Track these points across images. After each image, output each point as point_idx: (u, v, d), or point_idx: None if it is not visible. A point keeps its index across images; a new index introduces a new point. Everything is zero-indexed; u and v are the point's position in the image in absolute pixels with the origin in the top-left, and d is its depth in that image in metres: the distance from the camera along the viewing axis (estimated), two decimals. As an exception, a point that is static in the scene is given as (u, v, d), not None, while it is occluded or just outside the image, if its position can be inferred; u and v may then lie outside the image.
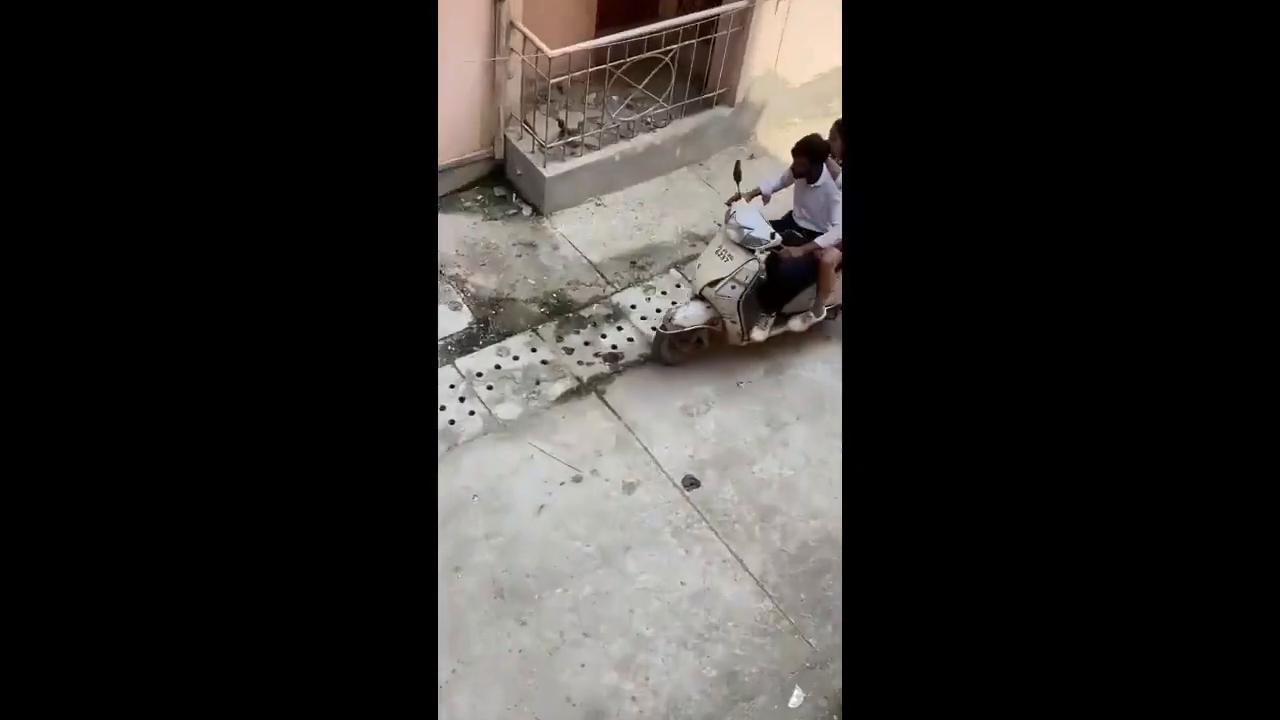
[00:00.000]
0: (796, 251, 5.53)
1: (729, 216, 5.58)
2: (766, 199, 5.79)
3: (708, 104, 7.12)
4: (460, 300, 6.02)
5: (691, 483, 5.23)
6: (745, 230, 5.42)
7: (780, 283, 5.70)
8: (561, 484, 5.15)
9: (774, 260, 5.58)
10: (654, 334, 5.81)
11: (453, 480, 5.09)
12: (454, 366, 5.67)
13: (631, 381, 5.72)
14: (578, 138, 6.61)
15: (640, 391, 5.67)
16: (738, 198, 5.65)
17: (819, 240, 5.55)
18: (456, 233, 6.41)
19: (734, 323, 5.63)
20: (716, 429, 5.56)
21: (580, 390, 5.64)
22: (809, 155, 5.55)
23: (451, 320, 5.91)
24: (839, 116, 5.91)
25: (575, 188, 6.64)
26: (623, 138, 6.78)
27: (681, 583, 4.84)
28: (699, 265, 5.72)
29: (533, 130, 6.56)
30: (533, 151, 6.54)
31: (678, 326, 5.60)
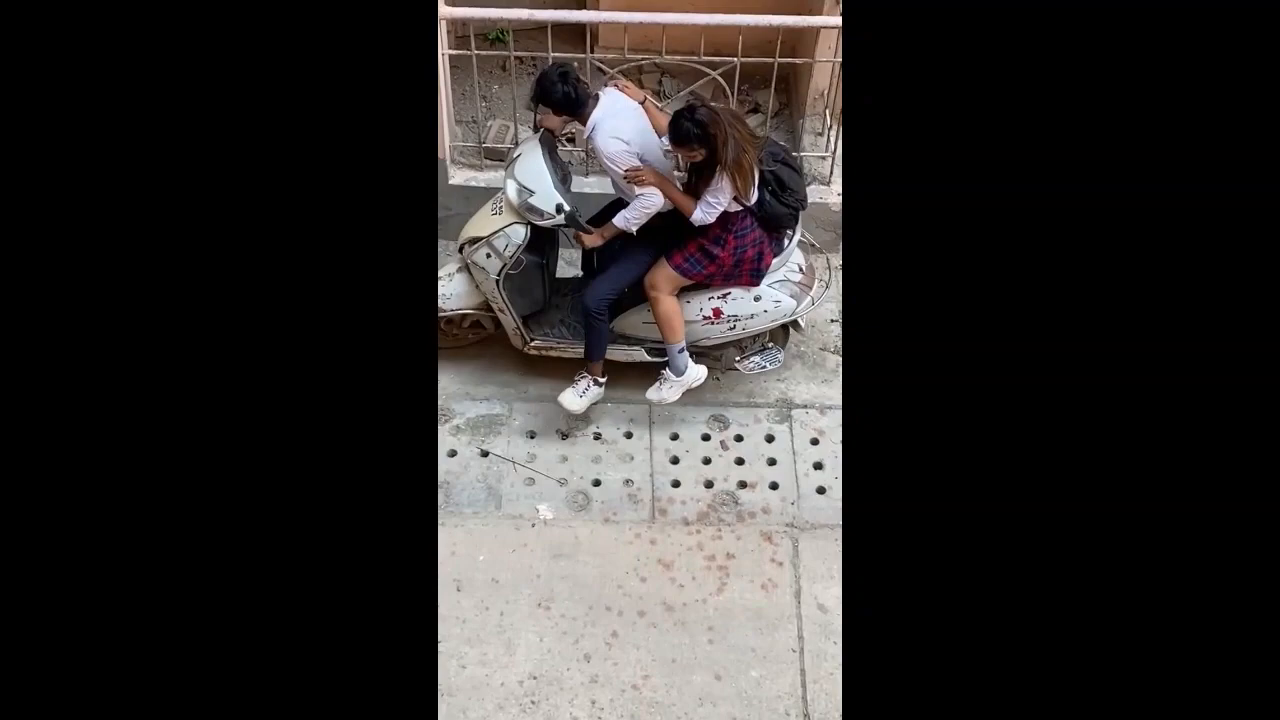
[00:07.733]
0: (590, 237, 3.75)
1: (511, 161, 3.74)
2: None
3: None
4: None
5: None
6: (524, 193, 3.60)
7: (605, 284, 3.84)
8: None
9: (587, 249, 3.95)
10: None
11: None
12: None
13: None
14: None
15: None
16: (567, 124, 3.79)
17: (615, 220, 3.67)
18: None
19: (501, 311, 3.86)
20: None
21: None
22: (545, 99, 3.55)
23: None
24: None
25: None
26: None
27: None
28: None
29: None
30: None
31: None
